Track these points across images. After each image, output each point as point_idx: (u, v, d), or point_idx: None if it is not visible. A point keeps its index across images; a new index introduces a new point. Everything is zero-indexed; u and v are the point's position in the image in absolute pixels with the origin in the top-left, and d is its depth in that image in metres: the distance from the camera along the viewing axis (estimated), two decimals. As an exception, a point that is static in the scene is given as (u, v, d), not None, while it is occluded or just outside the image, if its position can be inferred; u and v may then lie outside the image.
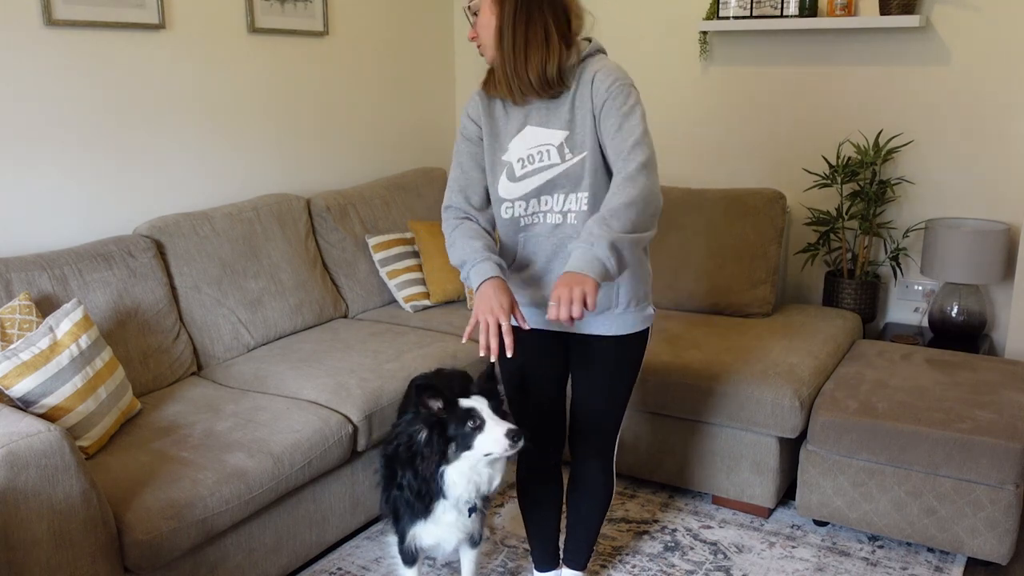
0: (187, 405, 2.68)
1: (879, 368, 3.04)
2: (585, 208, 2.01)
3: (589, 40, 2.07)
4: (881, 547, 2.77)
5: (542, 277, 2.09)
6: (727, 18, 3.71)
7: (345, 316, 3.57)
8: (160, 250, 2.99)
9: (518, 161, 2.03)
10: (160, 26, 3.07)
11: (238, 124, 3.45)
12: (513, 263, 2.11)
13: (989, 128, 3.44)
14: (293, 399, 2.74)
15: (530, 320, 2.07)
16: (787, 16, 3.60)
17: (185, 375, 2.95)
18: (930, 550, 2.75)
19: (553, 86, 1.96)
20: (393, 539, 2.33)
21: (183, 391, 2.79)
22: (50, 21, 2.74)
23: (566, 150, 1.99)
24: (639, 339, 2.16)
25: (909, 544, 2.77)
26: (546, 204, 2.05)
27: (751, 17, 3.67)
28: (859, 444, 2.69)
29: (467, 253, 2.01)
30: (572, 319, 1.76)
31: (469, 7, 2.03)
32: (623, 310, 2.09)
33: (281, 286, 3.27)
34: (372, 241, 3.66)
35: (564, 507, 2.42)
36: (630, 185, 1.87)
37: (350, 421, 2.68)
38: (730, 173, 3.96)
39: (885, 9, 3.42)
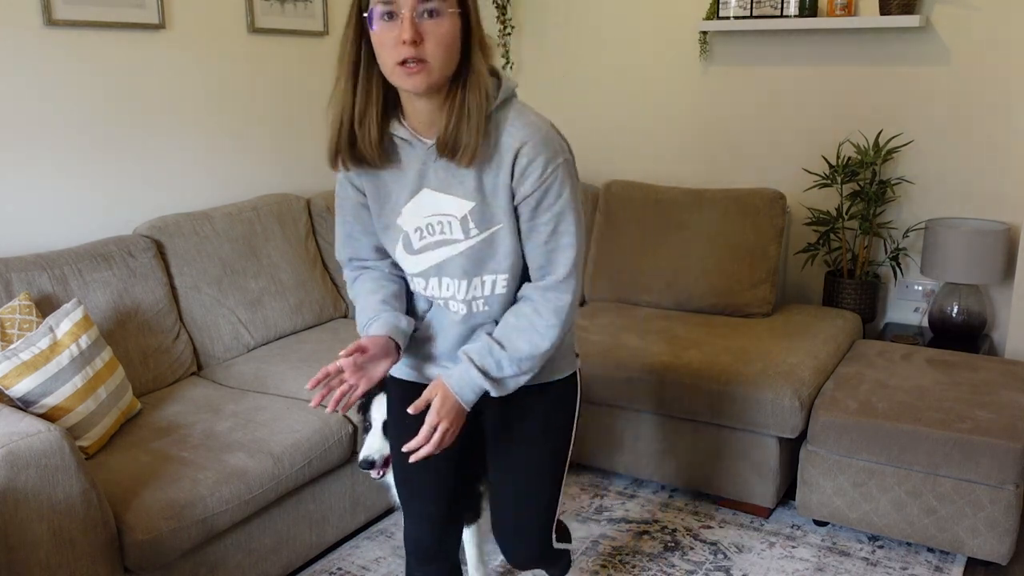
0: (187, 405, 2.69)
1: (879, 368, 3.04)
2: (503, 291, 1.63)
3: (496, 76, 1.55)
4: (881, 547, 2.77)
5: (447, 356, 1.74)
6: (727, 18, 3.71)
7: (345, 316, 3.57)
8: (160, 250, 2.99)
9: (415, 231, 1.61)
10: (160, 26, 3.07)
11: (238, 124, 3.45)
12: (420, 326, 1.76)
13: (989, 128, 3.44)
14: (293, 399, 2.74)
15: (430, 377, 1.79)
16: (787, 16, 3.60)
17: (185, 375, 2.95)
18: (930, 550, 2.75)
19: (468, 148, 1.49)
20: None
21: (183, 391, 2.79)
22: (50, 21, 2.74)
23: (471, 225, 1.56)
24: (569, 387, 1.81)
25: (909, 544, 2.77)
26: (447, 290, 1.64)
27: (751, 17, 3.67)
28: (859, 444, 2.69)
29: (367, 312, 1.69)
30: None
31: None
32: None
33: (281, 286, 3.27)
34: (372, 241, 3.65)
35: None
36: (542, 330, 1.59)
37: (350, 421, 2.68)
38: (730, 173, 3.96)
39: (885, 9, 3.41)
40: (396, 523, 2.94)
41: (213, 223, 3.15)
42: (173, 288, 2.99)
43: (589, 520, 2.94)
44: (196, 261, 3.05)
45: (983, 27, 3.37)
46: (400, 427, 1.82)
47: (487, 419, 1.82)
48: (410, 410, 1.57)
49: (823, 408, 2.78)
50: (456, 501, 1.88)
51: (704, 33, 3.86)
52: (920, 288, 3.71)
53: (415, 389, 1.75)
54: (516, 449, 1.81)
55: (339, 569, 2.67)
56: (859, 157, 3.53)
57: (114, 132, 3.00)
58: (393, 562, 2.70)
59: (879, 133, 3.55)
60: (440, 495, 1.85)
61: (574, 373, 1.82)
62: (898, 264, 3.62)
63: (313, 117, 3.77)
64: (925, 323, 3.71)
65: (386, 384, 1.91)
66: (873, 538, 2.83)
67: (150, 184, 3.15)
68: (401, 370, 1.81)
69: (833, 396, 2.84)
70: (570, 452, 1.85)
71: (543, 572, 2.14)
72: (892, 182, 3.57)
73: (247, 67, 3.45)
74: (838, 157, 3.60)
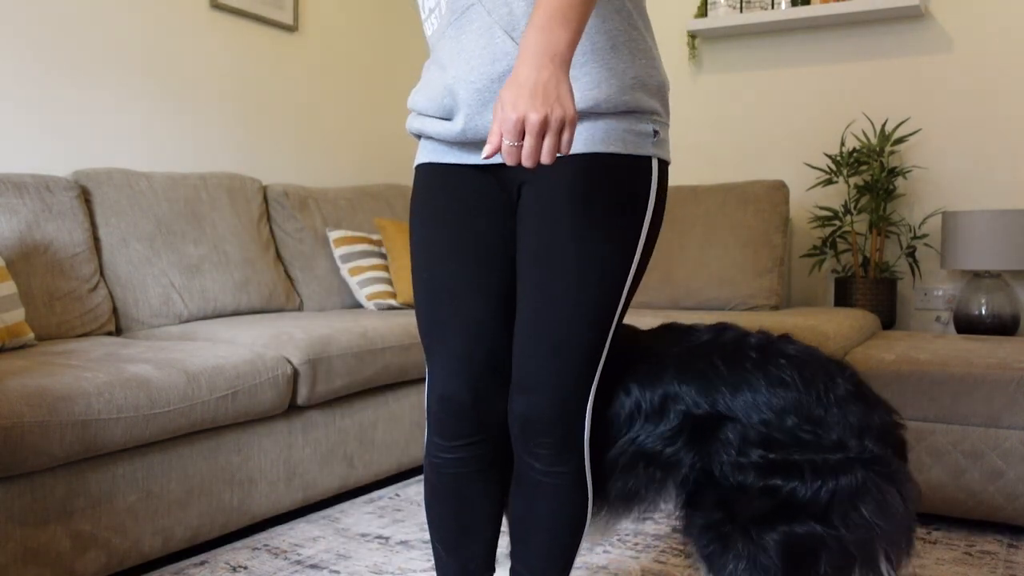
0: (92, 343, 2.23)
1: (914, 339, 2.64)
2: None
3: None
4: (937, 529, 2.26)
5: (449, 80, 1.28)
6: (716, 4, 3.54)
7: (299, 310, 3.14)
8: (86, 197, 2.61)
9: None
10: (110, -31, 2.84)
11: (192, 98, 3.15)
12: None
13: (999, 114, 3.21)
14: (225, 343, 2.29)
15: (448, 152, 1.34)
16: (779, 7, 3.44)
17: (98, 332, 2.49)
18: (999, 528, 2.24)
19: None
20: None
21: (91, 342, 2.33)
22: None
23: None
24: (633, 176, 1.24)
25: (971, 524, 2.26)
26: None
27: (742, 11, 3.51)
28: (901, 398, 2.25)
29: None
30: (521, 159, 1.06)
31: None
32: (597, 109, 1.22)
33: (225, 257, 2.87)
34: (333, 235, 3.28)
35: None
36: None
37: (290, 363, 2.22)
38: (725, 179, 3.68)
39: (882, -8, 3.26)
40: (344, 510, 2.40)
41: (151, 181, 2.79)
42: (96, 237, 2.59)
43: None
44: (127, 214, 2.66)
45: (984, 13, 3.21)
46: (427, 224, 1.34)
47: (520, 205, 1.30)
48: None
49: (855, 361, 2.35)
50: (499, 347, 1.31)
51: (693, 38, 3.69)
52: (940, 293, 3.35)
53: (455, 175, 1.33)
54: (540, 257, 1.25)
55: (265, 545, 2.12)
56: (865, 142, 3.26)
57: (55, 80, 2.69)
58: (335, 541, 2.15)
59: (885, 122, 3.31)
60: (477, 332, 1.31)
61: (647, 162, 1.25)
62: (915, 260, 3.27)
63: (277, 112, 3.49)
64: (951, 330, 3.32)
65: None
66: (925, 521, 2.31)
67: (91, 138, 2.80)
68: (421, 156, 1.39)
69: (865, 352, 2.42)
70: (629, 282, 1.27)
71: (548, 517, 1.34)
72: (904, 170, 3.29)
73: (206, 43, 3.19)
74: (842, 147, 3.33)
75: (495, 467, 1.37)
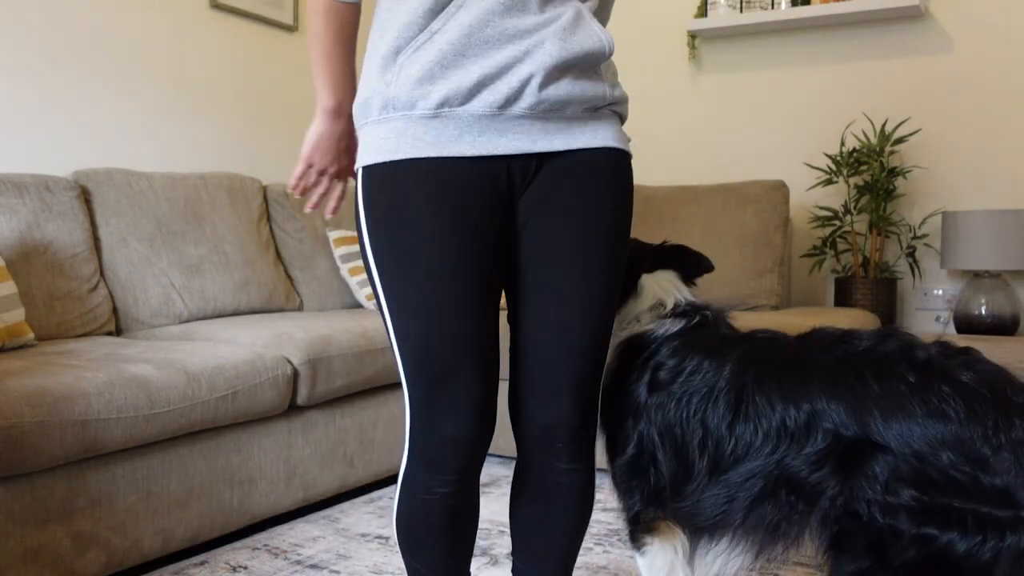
0: (93, 343, 2.23)
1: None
2: None
3: None
4: (937, 529, 2.26)
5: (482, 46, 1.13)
6: (716, 3, 3.54)
7: (299, 310, 3.14)
8: (86, 197, 2.61)
9: None
10: (110, -30, 2.84)
11: (192, 98, 3.15)
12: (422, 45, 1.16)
13: (999, 115, 3.21)
14: (225, 343, 2.29)
15: (440, 142, 1.15)
16: (779, 7, 3.44)
17: (98, 332, 2.49)
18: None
19: None
20: None
21: (91, 342, 2.33)
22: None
23: None
24: (630, 175, 1.26)
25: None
26: None
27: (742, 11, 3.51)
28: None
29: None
30: None
31: None
32: (618, 107, 1.26)
33: (225, 257, 2.87)
34: (334, 235, 3.28)
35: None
36: None
37: (290, 363, 2.22)
38: (725, 181, 3.68)
39: (882, -9, 3.26)
40: (344, 510, 2.40)
41: (152, 181, 2.79)
42: (96, 237, 2.59)
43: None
44: (127, 214, 2.66)
45: (984, 13, 3.21)
46: (428, 236, 1.14)
47: (526, 225, 1.20)
48: None
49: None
50: (496, 379, 1.22)
51: (693, 37, 3.69)
52: (940, 293, 3.35)
53: (445, 170, 1.15)
54: (567, 235, 1.18)
55: (265, 545, 2.12)
56: (865, 142, 3.26)
57: (64, 76, 2.69)
58: (335, 541, 2.15)
59: (885, 122, 3.31)
60: (485, 365, 1.18)
61: (628, 158, 1.26)
62: (915, 260, 3.27)
63: (277, 113, 3.49)
64: (951, 330, 3.32)
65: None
66: (926, 522, 2.32)
67: (86, 140, 2.81)
68: (416, 146, 1.15)
69: (864, 352, 2.42)
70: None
71: (557, 518, 1.32)
72: (904, 170, 3.29)
73: (207, 43, 3.20)
74: (842, 147, 3.33)
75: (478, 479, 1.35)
